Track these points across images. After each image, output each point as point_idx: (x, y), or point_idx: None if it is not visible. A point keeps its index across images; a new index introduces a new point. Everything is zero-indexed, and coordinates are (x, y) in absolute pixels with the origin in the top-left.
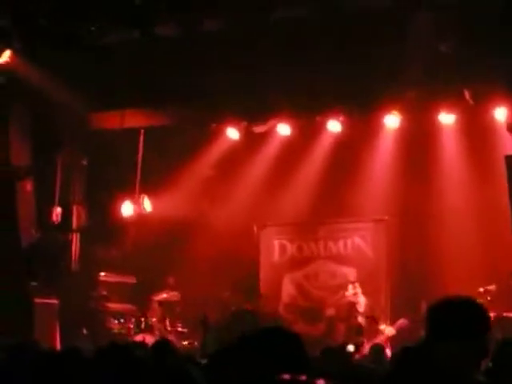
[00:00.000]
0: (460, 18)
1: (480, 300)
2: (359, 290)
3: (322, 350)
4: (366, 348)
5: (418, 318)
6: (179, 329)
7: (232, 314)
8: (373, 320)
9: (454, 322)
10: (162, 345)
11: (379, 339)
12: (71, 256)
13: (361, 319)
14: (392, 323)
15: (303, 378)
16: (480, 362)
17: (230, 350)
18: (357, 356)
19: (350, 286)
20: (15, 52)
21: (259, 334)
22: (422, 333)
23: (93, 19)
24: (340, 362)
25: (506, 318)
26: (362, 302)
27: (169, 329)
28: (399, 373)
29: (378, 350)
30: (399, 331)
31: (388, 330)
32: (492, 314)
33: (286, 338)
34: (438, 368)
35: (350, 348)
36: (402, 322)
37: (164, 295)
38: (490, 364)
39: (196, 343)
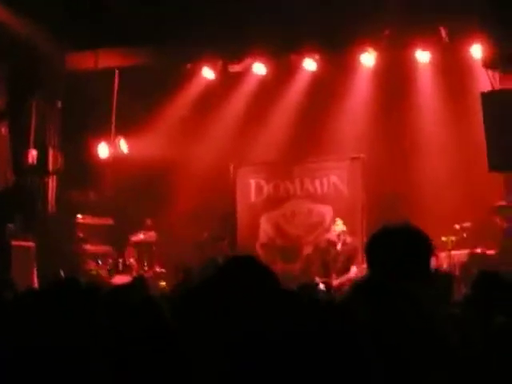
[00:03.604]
0: None
1: (456, 237)
2: (339, 228)
3: (297, 285)
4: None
5: None
6: (157, 269)
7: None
8: None
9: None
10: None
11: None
12: (48, 199)
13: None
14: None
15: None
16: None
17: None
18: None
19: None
20: None
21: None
22: None
23: None
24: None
25: (481, 254)
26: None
27: (146, 269)
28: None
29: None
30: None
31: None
32: (467, 251)
33: (258, 266)
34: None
35: (321, 287)
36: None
37: (141, 236)
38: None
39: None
